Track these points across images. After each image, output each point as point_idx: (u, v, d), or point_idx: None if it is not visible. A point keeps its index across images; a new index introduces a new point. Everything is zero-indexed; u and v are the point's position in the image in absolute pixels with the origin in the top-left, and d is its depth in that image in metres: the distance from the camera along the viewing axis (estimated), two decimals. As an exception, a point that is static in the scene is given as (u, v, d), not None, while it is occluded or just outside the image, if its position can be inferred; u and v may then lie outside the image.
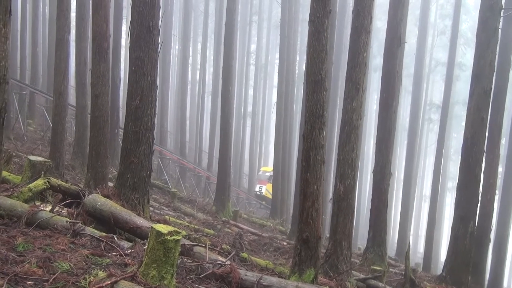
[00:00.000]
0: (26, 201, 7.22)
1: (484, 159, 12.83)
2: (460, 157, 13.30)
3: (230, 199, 20.12)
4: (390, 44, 13.65)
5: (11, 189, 7.54)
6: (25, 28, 22.89)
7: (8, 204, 6.66)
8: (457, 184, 13.02)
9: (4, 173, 8.40)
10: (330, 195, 16.57)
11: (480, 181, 12.63)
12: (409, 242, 14.24)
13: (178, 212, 15.24)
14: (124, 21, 21.10)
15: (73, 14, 14.81)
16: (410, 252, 11.23)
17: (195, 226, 12.21)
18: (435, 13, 39.62)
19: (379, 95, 14.24)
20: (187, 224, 12.20)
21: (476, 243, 13.06)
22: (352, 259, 10.72)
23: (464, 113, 19.72)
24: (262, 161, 46.50)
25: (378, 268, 10.65)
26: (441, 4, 40.31)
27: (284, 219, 24.27)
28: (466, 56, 37.19)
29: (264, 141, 49.96)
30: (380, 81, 14.11)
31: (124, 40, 20.86)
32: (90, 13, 12.67)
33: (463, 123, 15.01)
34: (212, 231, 12.50)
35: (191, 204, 18.25)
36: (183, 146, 31.91)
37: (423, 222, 42.32)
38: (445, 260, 13.39)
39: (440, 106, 29.31)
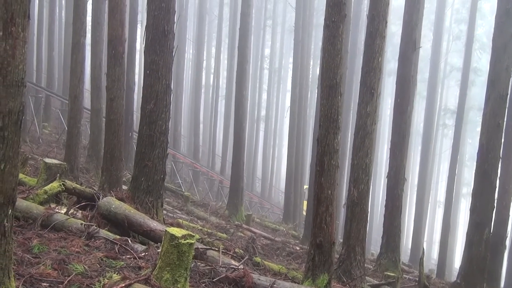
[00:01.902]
0: (41, 203, 7.28)
1: (499, 165, 12.69)
2: (475, 163, 13.15)
3: (243, 203, 20.11)
4: (405, 49, 13.59)
5: (27, 191, 7.62)
6: (42, 31, 23.15)
7: (24, 206, 6.72)
8: (472, 190, 12.88)
9: (20, 175, 8.45)
10: (344, 200, 16.50)
11: (495, 187, 12.48)
12: (423, 248, 14.15)
13: (191, 216, 15.28)
14: (139, 25, 21.17)
15: (89, 18, 14.94)
16: (424, 258, 11.13)
17: (208, 230, 12.23)
18: (450, 17, 39.36)
19: (393, 100, 14.16)
20: (200, 227, 12.24)
21: (491, 250, 12.90)
22: (365, 265, 10.66)
23: (479, 119, 19.49)
24: (276, 165, 46.39)
25: (392, 274, 10.59)
26: (457, 9, 40.06)
27: (297, 223, 24.19)
28: (482, 61, 36.86)
29: (277, 145, 49.88)
30: (395, 85, 14.04)
31: (139, 44, 21.00)
32: (106, 17, 12.76)
33: (478, 129, 14.86)
34: (225, 235, 12.51)
35: (204, 208, 18.27)
36: (197, 149, 31.99)
37: (437, 228, 41.95)
38: (459, 267, 13.25)
39: (455, 111, 29.12)
